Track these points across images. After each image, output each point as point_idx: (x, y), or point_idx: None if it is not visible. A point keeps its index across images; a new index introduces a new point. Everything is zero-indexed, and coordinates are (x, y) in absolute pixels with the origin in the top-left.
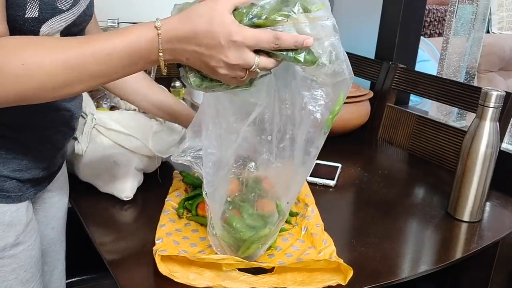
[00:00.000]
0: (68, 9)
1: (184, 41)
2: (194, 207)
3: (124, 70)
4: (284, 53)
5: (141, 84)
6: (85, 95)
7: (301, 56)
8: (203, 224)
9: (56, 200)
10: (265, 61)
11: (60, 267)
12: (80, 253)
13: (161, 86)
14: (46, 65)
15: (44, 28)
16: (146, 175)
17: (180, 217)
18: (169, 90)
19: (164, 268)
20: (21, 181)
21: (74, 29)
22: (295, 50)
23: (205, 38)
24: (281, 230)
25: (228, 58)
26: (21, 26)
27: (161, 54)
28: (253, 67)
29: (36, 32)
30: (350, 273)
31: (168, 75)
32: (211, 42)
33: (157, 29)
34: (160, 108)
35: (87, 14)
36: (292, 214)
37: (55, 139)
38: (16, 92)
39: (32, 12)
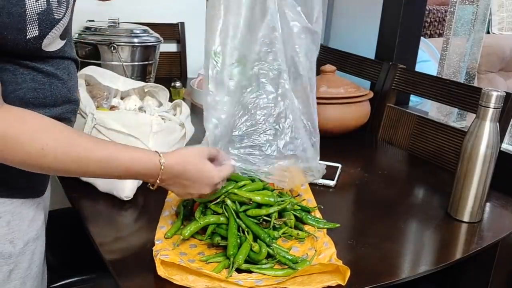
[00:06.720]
0: (63, 16)
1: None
2: (190, 208)
3: (114, 178)
4: None
5: None
6: (86, 95)
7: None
8: None
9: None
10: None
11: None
12: (80, 253)
13: None
14: (58, 153)
15: (46, 41)
16: None
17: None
18: (169, 90)
19: (163, 272)
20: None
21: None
22: None
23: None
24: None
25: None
26: (24, 47)
27: (158, 181)
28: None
29: (38, 48)
30: (348, 273)
31: (169, 75)
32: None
33: (161, 165)
34: None
35: (73, 5)
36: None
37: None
38: (21, 162)
39: (32, 32)
